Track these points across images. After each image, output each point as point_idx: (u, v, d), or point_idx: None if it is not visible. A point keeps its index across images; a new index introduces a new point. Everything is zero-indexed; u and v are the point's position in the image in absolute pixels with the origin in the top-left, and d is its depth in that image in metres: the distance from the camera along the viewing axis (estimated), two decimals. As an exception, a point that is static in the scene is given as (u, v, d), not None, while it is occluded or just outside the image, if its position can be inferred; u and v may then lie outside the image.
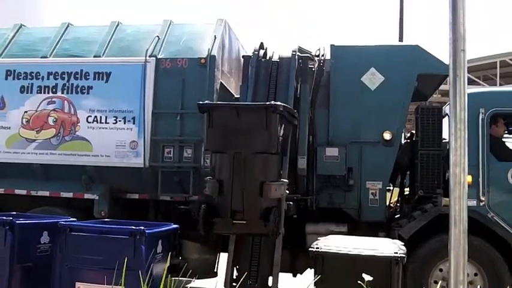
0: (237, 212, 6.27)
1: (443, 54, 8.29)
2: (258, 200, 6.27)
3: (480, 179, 7.60)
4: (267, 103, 6.62)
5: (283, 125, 6.82)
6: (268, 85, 8.31)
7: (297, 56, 8.40)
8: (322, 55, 8.48)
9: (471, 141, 7.60)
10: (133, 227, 5.66)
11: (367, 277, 4.75)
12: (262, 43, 8.95)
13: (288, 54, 8.61)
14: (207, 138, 6.96)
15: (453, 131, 4.99)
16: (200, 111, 6.69)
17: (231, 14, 70.00)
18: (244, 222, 6.28)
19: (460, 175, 4.96)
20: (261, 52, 8.72)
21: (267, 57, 8.74)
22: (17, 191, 8.72)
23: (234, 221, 6.29)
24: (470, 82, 19.78)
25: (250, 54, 8.69)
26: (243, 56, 8.98)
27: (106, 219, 7.33)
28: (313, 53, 8.62)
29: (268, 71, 8.44)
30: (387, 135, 8.08)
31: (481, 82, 20.39)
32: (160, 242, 6.05)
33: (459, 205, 4.95)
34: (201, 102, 6.70)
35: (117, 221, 6.90)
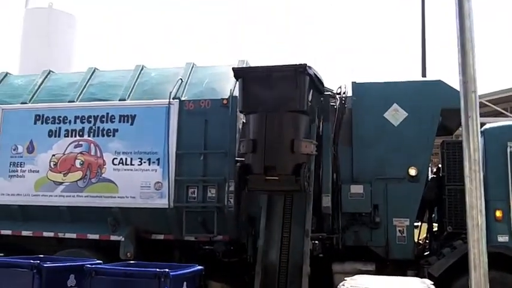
0: (270, 168, 6.63)
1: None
2: (290, 156, 6.64)
3: (511, 214, 7.39)
4: (297, 64, 6.91)
5: (311, 90, 7.21)
6: None
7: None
8: (344, 92, 8.48)
9: (500, 175, 7.53)
10: (158, 269, 5.63)
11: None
12: None
13: None
14: (242, 101, 7.30)
15: (468, 172, 4.88)
16: (235, 77, 7.20)
17: (228, 10, 70.26)
18: (277, 178, 6.63)
19: (477, 217, 4.86)
20: None
21: None
22: (45, 234, 8.83)
23: (267, 178, 6.63)
24: (498, 114, 19.47)
25: None
26: None
27: (131, 261, 7.33)
28: (335, 91, 8.63)
29: None
30: (413, 171, 7.98)
31: (508, 114, 20.03)
32: (185, 283, 6.01)
33: (478, 248, 4.82)
34: (235, 67, 7.27)
35: (142, 263, 6.90)
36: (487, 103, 19.35)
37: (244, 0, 67.15)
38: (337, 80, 9.44)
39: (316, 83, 7.30)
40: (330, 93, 8.54)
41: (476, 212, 4.86)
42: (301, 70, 6.72)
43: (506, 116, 20.06)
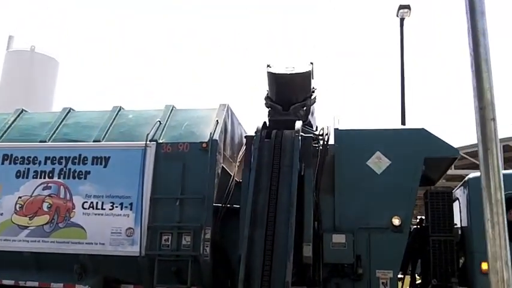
0: None
1: (448, 136, 8.16)
2: None
3: None
4: None
5: None
6: (272, 169, 8.05)
7: (300, 137, 8.16)
8: (326, 134, 8.33)
9: (484, 226, 7.30)
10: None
11: None
12: (265, 122, 8.81)
13: (293, 132, 8.37)
14: None
15: (489, 215, 4.12)
16: None
17: (232, 14, 69.78)
18: None
19: (501, 271, 4.01)
20: (264, 132, 8.51)
21: (271, 137, 8.50)
22: (5, 281, 8.24)
23: None
24: (475, 167, 19.55)
25: (253, 134, 8.47)
26: (246, 136, 8.82)
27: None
28: (317, 132, 8.41)
29: (271, 153, 8.20)
30: (396, 221, 7.72)
31: (485, 167, 20.10)
32: None
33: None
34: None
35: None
36: (465, 155, 19.45)
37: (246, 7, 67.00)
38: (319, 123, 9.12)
39: None
40: (311, 135, 8.35)
41: (501, 264, 4.02)
42: None
43: (484, 169, 20.05)
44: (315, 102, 9.22)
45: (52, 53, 31.10)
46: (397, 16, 16.77)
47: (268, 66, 8.94)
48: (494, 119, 4.16)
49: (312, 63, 8.99)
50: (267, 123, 8.87)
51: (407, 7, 16.62)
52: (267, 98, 9.20)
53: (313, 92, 9.16)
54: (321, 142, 8.31)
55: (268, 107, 9.15)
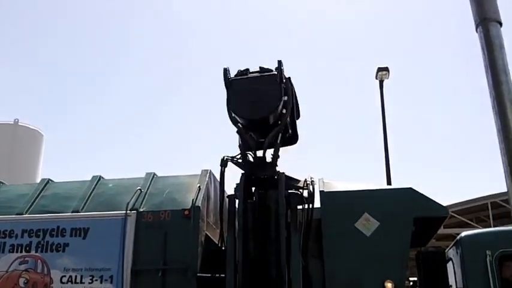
0: None
1: (434, 195, 8.02)
2: None
3: None
4: None
5: None
6: (258, 236, 7.80)
7: (284, 201, 7.91)
8: (312, 182, 8.02)
9: (481, 285, 7.07)
10: None
11: None
12: (243, 176, 8.09)
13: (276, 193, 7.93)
14: None
15: None
16: None
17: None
18: None
19: None
20: (245, 193, 8.03)
21: (253, 198, 8.18)
22: None
23: None
24: (464, 225, 19.42)
25: (234, 193, 8.05)
26: (228, 196, 8.27)
27: None
28: (300, 184, 8.12)
29: (255, 216, 7.95)
30: (389, 285, 7.39)
31: (474, 224, 20.00)
32: None
33: None
34: None
35: None
36: (454, 214, 19.35)
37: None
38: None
39: None
40: (295, 190, 8.04)
41: None
42: None
43: (474, 227, 19.99)
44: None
45: (36, 126, 31.08)
46: (376, 78, 17.11)
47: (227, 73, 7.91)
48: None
49: (280, 61, 7.83)
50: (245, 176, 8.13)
51: (386, 69, 16.99)
52: (239, 127, 8.15)
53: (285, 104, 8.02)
54: (306, 205, 8.05)
55: (241, 137, 8.19)
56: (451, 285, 7.94)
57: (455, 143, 60.59)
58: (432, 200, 7.94)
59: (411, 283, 8.34)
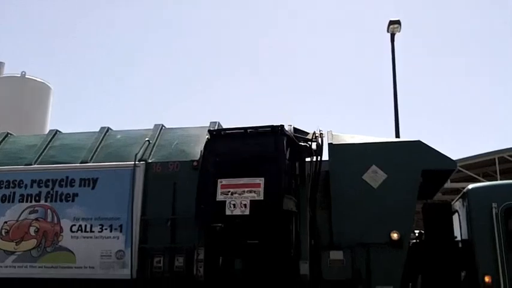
0: None
1: (444, 148, 7.97)
2: None
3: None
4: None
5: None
6: None
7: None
8: (321, 134, 8.12)
9: (486, 238, 7.14)
10: None
11: None
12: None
13: None
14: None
15: None
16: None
17: None
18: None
19: None
20: None
21: None
22: None
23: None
24: (471, 179, 19.41)
25: None
26: None
27: None
28: (309, 136, 8.17)
29: None
30: (395, 236, 7.46)
31: (481, 179, 20.00)
32: None
33: None
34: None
35: None
36: (461, 169, 19.33)
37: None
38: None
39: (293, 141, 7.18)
40: (304, 144, 8.05)
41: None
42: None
43: (480, 182, 19.99)
44: None
45: (44, 79, 30.90)
46: (388, 32, 16.82)
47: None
48: None
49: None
50: None
51: (398, 22, 16.67)
52: None
53: None
54: (314, 158, 8.07)
55: None
56: (456, 237, 8.02)
57: (464, 99, 60.01)
58: (440, 152, 7.91)
59: (417, 234, 8.38)
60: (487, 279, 7.02)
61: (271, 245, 7.13)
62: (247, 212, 6.77)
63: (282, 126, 7.09)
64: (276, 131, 7.36)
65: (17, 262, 8.03)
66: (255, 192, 6.89)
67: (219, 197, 7.02)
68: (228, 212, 6.91)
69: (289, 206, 6.99)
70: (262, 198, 6.84)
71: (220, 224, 7.25)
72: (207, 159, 7.47)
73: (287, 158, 7.09)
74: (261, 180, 6.90)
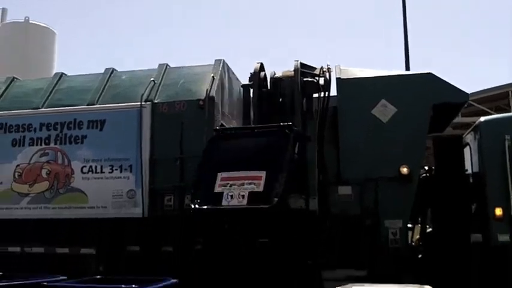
0: None
1: (455, 81, 7.79)
2: None
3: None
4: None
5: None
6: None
7: (300, 90, 7.81)
8: (328, 69, 7.94)
9: (498, 170, 7.08)
10: (124, 286, 4.98)
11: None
12: (262, 64, 8.27)
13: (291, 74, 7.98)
14: None
15: None
16: None
17: None
18: None
19: None
20: (261, 75, 8.13)
21: (268, 87, 8.16)
22: (11, 249, 8.17)
23: None
24: (484, 113, 19.19)
25: (249, 83, 8.13)
26: (242, 85, 8.41)
27: (97, 277, 6.64)
28: (317, 71, 8.06)
29: (270, 106, 7.90)
30: (405, 170, 7.42)
31: (493, 113, 19.75)
32: (156, 299, 5.36)
33: None
34: None
35: (110, 278, 6.25)
36: (472, 102, 19.08)
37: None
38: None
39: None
40: (313, 79, 7.94)
41: None
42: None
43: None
44: None
45: (48, 24, 30.51)
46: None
47: None
48: None
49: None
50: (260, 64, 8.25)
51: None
52: None
53: None
54: (322, 94, 7.95)
55: None
56: (467, 170, 7.97)
57: (477, 29, 58.46)
58: (452, 85, 7.74)
59: (426, 169, 8.34)
60: (497, 211, 7.01)
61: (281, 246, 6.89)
62: (244, 203, 6.23)
63: (290, 125, 6.86)
64: (283, 130, 6.91)
65: (31, 204, 8.19)
66: (254, 184, 6.32)
67: (217, 189, 6.47)
68: (224, 203, 6.32)
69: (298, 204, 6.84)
70: (261, 190, 6.25)
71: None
72: (210, 158, 7.08)
73: (296, 152, 6.86)
74: (262, 174, 6.37)
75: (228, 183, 6.43)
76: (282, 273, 6.75)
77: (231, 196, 6.32)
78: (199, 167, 6.99)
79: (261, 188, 6.24)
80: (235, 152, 6.94)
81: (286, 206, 6.49)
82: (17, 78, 9.79)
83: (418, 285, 5.56)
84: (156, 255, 7.82)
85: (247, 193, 6.28)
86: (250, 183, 6.31)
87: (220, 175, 6.51)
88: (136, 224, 7.81)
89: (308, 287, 6.98)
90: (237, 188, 6.34)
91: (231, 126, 8.45)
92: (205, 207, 6.42)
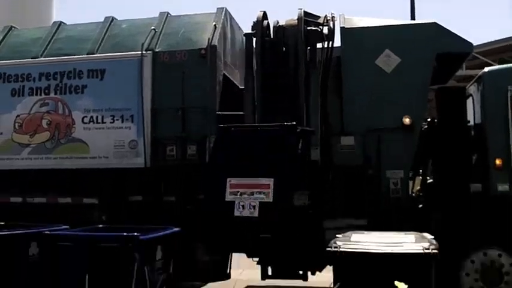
0: None
1: (461, 31, 7.63)
2: None
3: None
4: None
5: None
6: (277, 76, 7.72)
7: (303, 38, 7.68)
8: (333, 18, 7.79)
9: (499, 121, 7.04)
10: (126, 234, 5.01)
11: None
12: (265, 13, 8.07)
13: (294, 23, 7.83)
14: None
15: None
16: None
17: None
18: None
19: None
20: (264, 23, 7.95)
21: (271, 36, 8.02)
22: (13, 199, 8.19)
23: None
24: (488, 66, 18.99)
25: (252, 32, 7.95)
26: (245, 34, 8.23)
27: (99, 226, 6.71)
28: (321, 20, 7.90)
29: (273, 55, 7.78)
30: (407, 120, 7.39)
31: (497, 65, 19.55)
32: (159, 247, 5.42)
33: None
34: None
35: (113, 226, 6.32)
36: (476, 55, 18.83)
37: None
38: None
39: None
40: (315, 27, 7.80)
41: None
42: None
43: (497, 68, 19.51)
44: None
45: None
46: None
47: None
48: None
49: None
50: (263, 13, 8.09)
51: None
52: None
53: None
54: (326, 43, 7.82)
55: None
56: (469, 121, 7.92)
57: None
58: (456, 34, 7.60)
59: (429, 119, 8.29)
60: (497, 161, 7.00)
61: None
62: (256, 214, 6.51)
63: (294, 125, 6.81)
64: (287, 128, 6.88)
65: (32, 154, 8.19)
66: (264, 193, 6.57)
67: (228, 197, 6.65)
68: (236, 213, 6.55)
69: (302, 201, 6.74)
70: (271, 200, 6.52)
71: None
72: (216, 156, 7.15)
73: (299, 148, 6.87)
74: (270, 181, 6.56)
75: (238, 191, 6.67)
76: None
77: (243, 206, 6.58)
78: (205, 168, 7.17)
79: (270, 199, 6.52)
80: (242, 151, 6.93)
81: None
82: (14, 27, 9.61)
83: (416, 232, 5.62)
84: (158, 205, 7.88)
85: (257, 203, 6.56)
86: (259, 193, 6.61)
87: (229, 181, 6.69)
88: (138, 174, 7.82)
89: (309, 236, 7.05)
90: (247, 198, 6.60)
91: (234, 76, 8.33)
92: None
